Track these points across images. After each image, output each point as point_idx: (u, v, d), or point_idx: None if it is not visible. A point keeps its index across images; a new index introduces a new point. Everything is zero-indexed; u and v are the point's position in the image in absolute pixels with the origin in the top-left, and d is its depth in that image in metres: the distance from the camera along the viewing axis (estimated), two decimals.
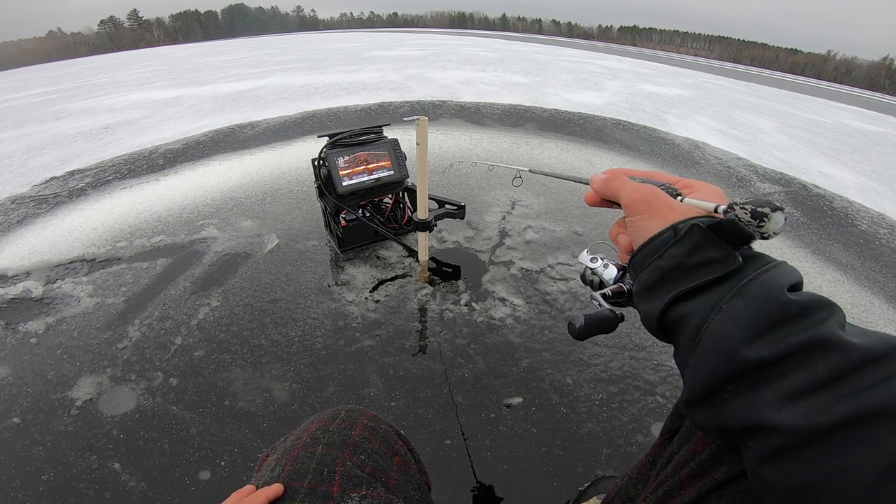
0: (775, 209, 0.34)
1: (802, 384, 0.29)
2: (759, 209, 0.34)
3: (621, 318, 0.48)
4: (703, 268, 0.36)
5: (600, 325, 0.48)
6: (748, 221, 0.35)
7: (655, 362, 1.36)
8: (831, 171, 3.50)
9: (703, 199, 0.40)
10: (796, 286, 0.34)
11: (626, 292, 0.50)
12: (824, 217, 2.58)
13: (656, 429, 1.16)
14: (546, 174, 0.68)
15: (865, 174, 3.57)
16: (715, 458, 0.42)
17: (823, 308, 0.32)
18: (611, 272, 0.53)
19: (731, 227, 0.36)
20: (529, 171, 0.79)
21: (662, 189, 0.43)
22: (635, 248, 0.41)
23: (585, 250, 0.56)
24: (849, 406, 0.27)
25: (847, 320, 0.32)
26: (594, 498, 0.94)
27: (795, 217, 2.53)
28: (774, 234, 0.35)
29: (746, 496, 0.39)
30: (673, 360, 1.36)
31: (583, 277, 0.57)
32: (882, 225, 2.56)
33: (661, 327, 0.38)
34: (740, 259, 0.35)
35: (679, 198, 0.42)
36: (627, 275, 0.49)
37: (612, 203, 0.47)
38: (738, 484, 0.40)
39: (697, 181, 0.44)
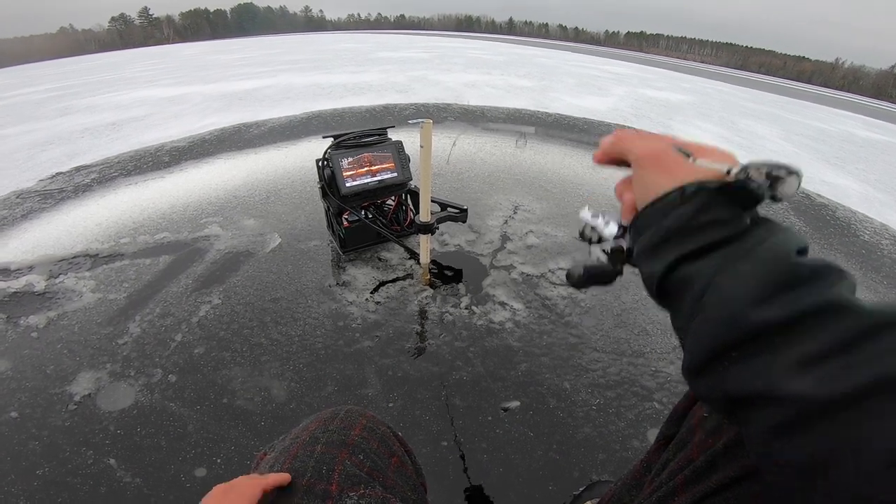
0: (790, 172, 0.33)
1: (813, 351, 0.27)
2: (774, 171, 0.33)
3: (620, 273, 0.48)
4: (710, 228, 0.35)
5: (599, 277, 0.47)
6: (761, 182, 0.34)
7: (653, 368, 1.36)
8: (835, 180, 3.49)
9: (716, 162, 0.38)
10: (804, 251, 0.33)
11: (626, 251, 0.48)
12: (827, 227, 2.58)
13: (652, 434, 1.16)
14: (554, 133, 0.65)
15: (870, 183, 3.56)
16: (710, 465, 0.43)
17: (833, 272, 0.30)
18: (612, 229, 0.51)
19: (740, 188, 0.34)
20: (535, 131, 0.76)
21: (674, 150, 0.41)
22: (640, 207, 0.40)
23: (587, 206, 0.54)
24: (864, 374, 0.25)
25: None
26: (589, 502, 0.94)
27: (798, 227, 2.53)
28: (788, 196, 0.34)
29: (740, 502, 0.40)
30: (671, 367, 1.37)
31: (581, 234, 0.55)
32: (884, 236, 2.55)
33: (662, 290, 0.37)
34: (748, 221, 0.34)
35: (690, 159, 0.40)
36: (629, 234, 0.48)
37: (621, 163, 0.45)
38: (731, 490, 0.41)
39: (711, 146, 0.41)
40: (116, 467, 1.04)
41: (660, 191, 0.38)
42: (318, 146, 3.12)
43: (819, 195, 3.06)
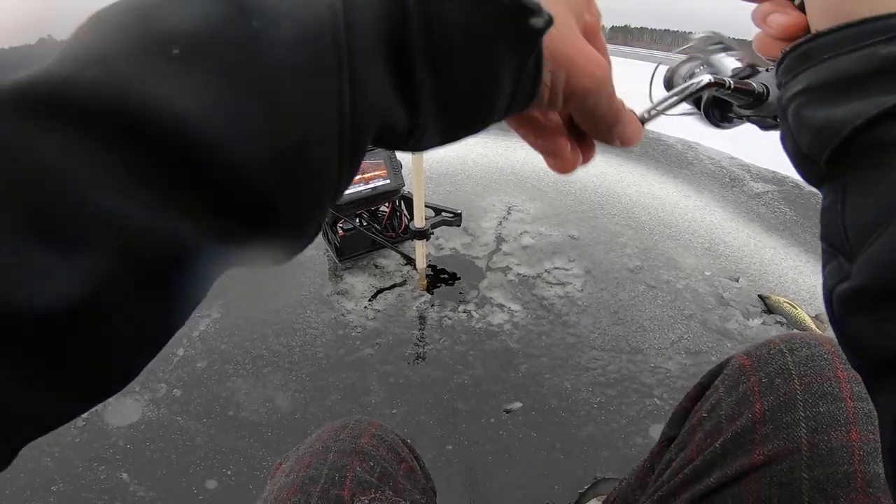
0: None
1: None
2: None
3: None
4: None
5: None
6: None
7: (652, 364, 1.38)
8: None
9: None
10: None
11: (757, 95, 0.34)
12: (818, 215, 2.53)
13: (654, 430, 1.18)
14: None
15: None
16: (708, 465, 0.46)
17: None
18: (728, 64, 0.36)
19: None
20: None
21: None
22: (822, 27, 0.24)
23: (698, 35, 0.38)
24: None
25: None
26: (594, 500, 0.96)
27: (789, 216, 2.56)
28: None
29: (736, 501, 0.42)
30: (669, 363, 1.39)
31: (669, 82, 0.41)
32: None
33: (843, 152, 0.23)
34: None
35: None
36: (762, 74, 0.34)
37: None
38: (728, 489, 0.43)
39: None
40: (129, 481, 1.06)
41: (879, 7, 0.23)
42: None
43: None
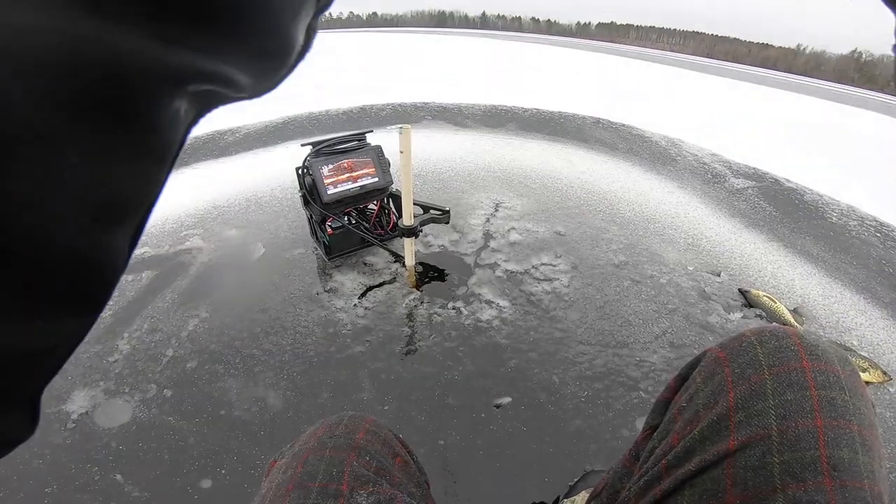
0: None
1: None
2: None
3: None
4: None
5: None
6: None
7: (637, 358, 1.41)
8: (803, 164, 3.61)
9: None
10: None
11: None
12: (796, 211, 2.68)
13: (640, 423, 1.21)
14: None
15: (835, 167, 3.70)
16: (688, 451, 0.48)
17: None
18: None
19: None
20: None
21: None
22: None
23: None
24: None
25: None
26: (583, 492, 0.99)
27: (768, 212, 2.62)
28: None
29: (715, 484, 0.44)
30: (654, 357, 1.42)
31: None
32: (852, 217, 2.67)
33: None
34: None
35: None
36: None
37: None
38: (707, 473, 0.46)
39: None
40: (123, 482, 1.05)
41: None
42: (294, 152, 3.10)
43: (788, 180, 3.18)
